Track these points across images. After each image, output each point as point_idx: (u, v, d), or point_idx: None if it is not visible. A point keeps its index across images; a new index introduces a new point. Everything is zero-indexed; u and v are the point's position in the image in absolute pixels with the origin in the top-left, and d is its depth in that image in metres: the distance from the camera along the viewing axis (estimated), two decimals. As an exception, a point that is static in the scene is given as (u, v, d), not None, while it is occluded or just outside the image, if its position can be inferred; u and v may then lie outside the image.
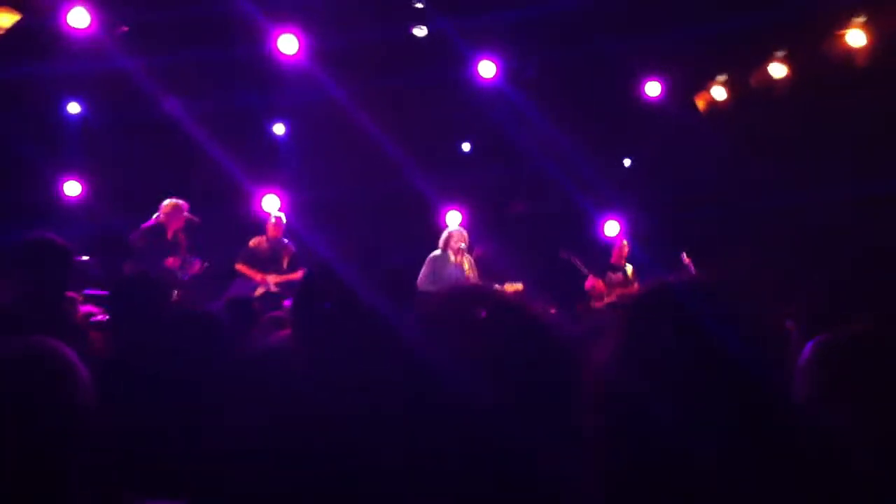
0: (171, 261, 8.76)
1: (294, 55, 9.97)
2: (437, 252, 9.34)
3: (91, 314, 5.38)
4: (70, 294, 5.89)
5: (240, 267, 9.54)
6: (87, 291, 7.10)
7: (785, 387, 1.78)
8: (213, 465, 2.27)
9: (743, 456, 1.66)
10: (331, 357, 2.43)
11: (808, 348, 2.53)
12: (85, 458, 2.06)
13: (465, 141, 13.19)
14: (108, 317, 4.71)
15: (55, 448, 1.97)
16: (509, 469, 1.87)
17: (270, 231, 9.78)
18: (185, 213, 9.04)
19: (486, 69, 10.65)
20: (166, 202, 9.00)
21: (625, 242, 10.50)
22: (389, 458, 1.95)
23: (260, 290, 9.24)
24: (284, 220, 9.94)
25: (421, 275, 9.18)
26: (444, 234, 9.44)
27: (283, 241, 9.79)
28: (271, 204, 10.87)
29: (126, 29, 9.81)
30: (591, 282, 10.02)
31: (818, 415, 2.06)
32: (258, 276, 9.33)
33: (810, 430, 1.77)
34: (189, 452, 2.48)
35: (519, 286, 9.37)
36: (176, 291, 7.76)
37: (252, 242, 9.70)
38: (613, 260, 10.32)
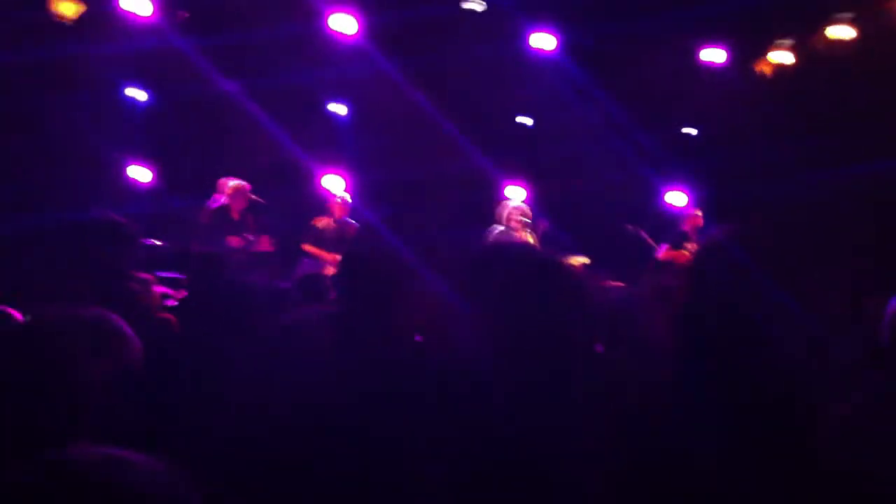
0: (234, 240, 8.85)
1: (352, 34, 10.00)
2: (499, 227, 9.27)
3: (166, 296, 5.46)
4: (144, 275, 6.00)
5: (307, 247, 9.59)
6: (157, 273, 7.19)
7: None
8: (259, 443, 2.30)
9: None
10: (376, 329, 2.42)
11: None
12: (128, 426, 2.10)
13: (525, 116, 13.10)
14: (179, 300, 4.77)
15: (97, 405, 2.02)
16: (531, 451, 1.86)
17: (336, 211, 9.83)
18: (248, 193, 9.14)
19: (544, 42, 10.56)
20: (229, 183, 9.12)
21: (698, 212, 10.32)
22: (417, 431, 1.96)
23: (330, 270, 9.27)
24: (350, 200, 9.99)
25: None
26: (504, 209, 9.38)
27: (349, 222, 9.83)
28: (333, 183, 10.91)
29: (186, 14, 9.91)
30: (666, 253, 9.84)
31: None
32: (327, 256, 9.36)
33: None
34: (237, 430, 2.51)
35: (585, 259, 9.29)
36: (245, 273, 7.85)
37: (318, 223, 9.75)
38: (687, 229, 10.15)
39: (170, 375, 3.16)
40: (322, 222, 9.75)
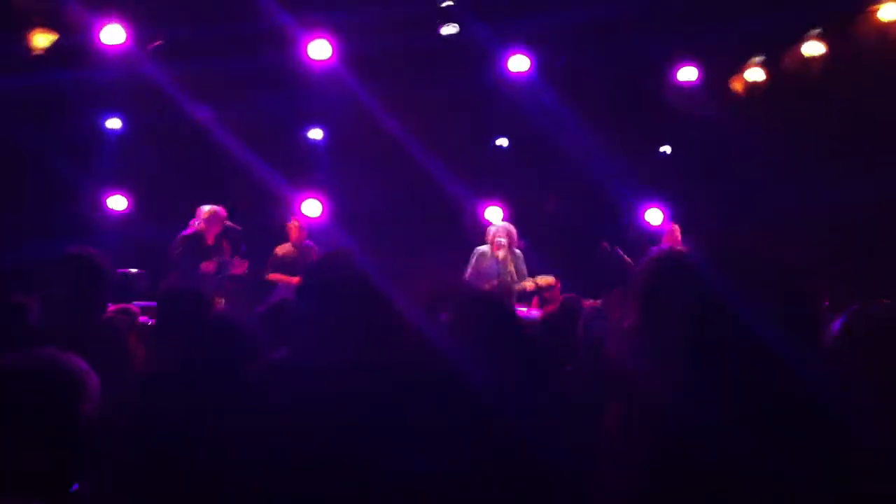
0: (206, 265, 8.86)
1: (326, 60, 10.04)
2: (482, 247, 9.42)
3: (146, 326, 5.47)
4: (128, 306, 6.01)
5: (272, 276, 9.60)
6: (135, 304, 7.18)
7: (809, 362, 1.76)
8: (243, 474, 2.30)
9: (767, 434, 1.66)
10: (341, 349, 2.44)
11: (839, 322, 2.51)
12: (91, 465, 2.12)
13: (500, 138, 13.18)
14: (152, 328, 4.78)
15: (56, 454, 2.04)
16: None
17: (294, 236, 9.82)
18: (224, 220, 9.15)
19: (518, 64, 10.63)
20: (204, 209, 9.13)
21: (675, 227, 10.38)
22: (403, 438, 1.98)
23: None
24: (304, 224, 9.98)
25: (467, 270, 9.30)
26: (489, 230, 9.53)
27: (308, 245, 9.83)
28: (312, 208, 10.94)
29: (159, 43, 9.94)
30: None
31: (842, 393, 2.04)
32: (293, 281, 9.35)
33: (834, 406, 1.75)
34: (218, 462, 2.51)
35: (551, 279, 9.42)
36: (219, 299, 7.84)
37: (278, 250, 9.76)
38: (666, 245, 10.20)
39: (149, 413, 3.18)
40: (282, 249, 9.77)
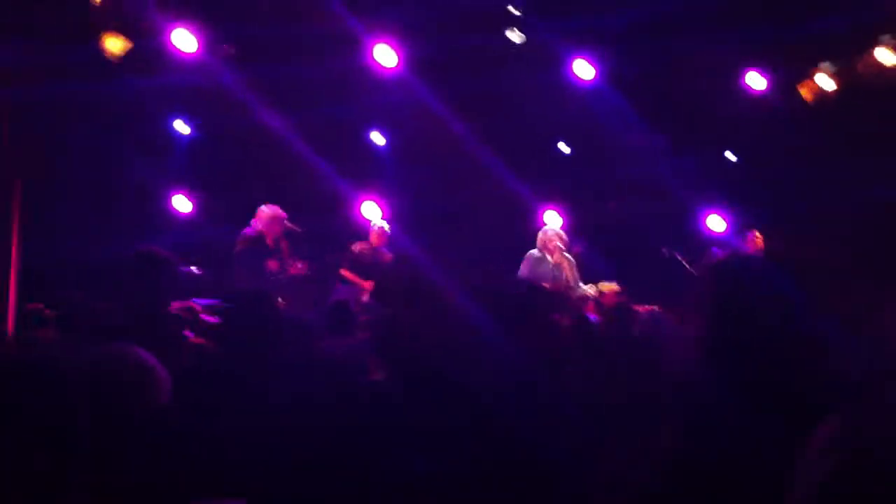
0: (270, 264, 8.99)
1: (393, 67, 10.12)
2: (536, 252, 9.39)
3: (208, 324, 5.58)
4: (190, 304, 6.14)
5: (344, 272, 9.67)
6: (198, 301, 7.32)
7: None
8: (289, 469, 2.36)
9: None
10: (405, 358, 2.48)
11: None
12: (155, 457, 2.17)
13: (563, 142, 13.14)
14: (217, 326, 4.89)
15: (122, 446, 2.08)
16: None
17: (374, 239, 9.91)
18: (284, 221, 9.27)
19: (583, 70, 10.59)
20: (264, 209, 9.26)
21: (757, 234, 10.22)
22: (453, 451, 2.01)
23: (365, 297, 9.31)
24: (388, 229, 10.06)
25: (520, 275, 9.23)
26: (541, 235, 9.46)
27: (384, 251, 9.90)
28: (371, 211, 11.03)
29: (231, 48, 10.12)
30: None
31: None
32: (363, 283, 9.43)
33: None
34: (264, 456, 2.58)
35: (614, 286, 9.34)
36: (280, 298, 7.95)
37: (355, 248, 9.84)
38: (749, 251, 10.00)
39: (206, 405, 3.26)
40: (359, 247, 9.84)
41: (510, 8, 10.30)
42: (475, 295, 2.71)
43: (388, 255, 9.85)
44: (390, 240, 10.08)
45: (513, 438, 2.14)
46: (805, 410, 1.72)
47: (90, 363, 2.20)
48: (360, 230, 10.34)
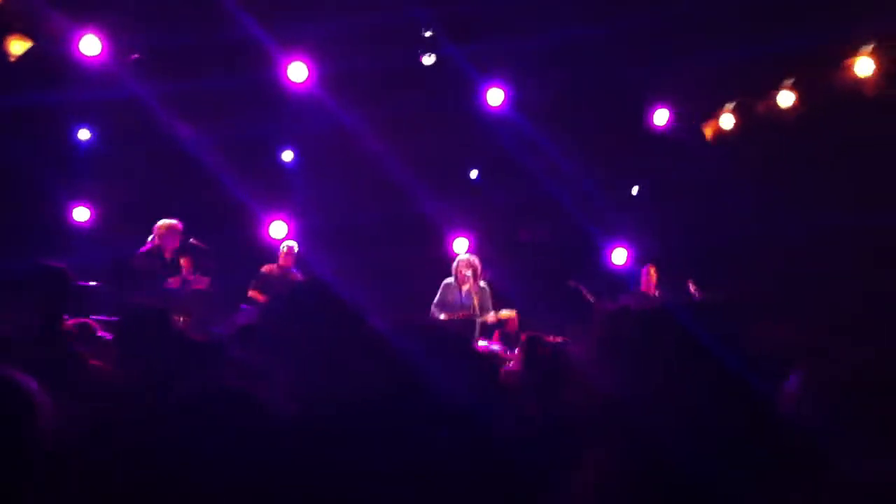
0: (172, 281, 8.80)
1: (303, 82, 10.05)
2: (449, 279, 9.48)
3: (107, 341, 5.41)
4: (86, 320, 5.95)
5: (253, 293, 9.55)
6: (95, 317, 7.12)
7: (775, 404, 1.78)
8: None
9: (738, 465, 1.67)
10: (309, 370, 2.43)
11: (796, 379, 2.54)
12: (44, 489, 2.08)
13: (473, 167, 13.22)
14: (112, 343, 4.75)
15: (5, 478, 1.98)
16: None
17: (282, 259, 9.83)
18: (180, 233, 9.07)
19: (495, 96, 10.68)
20: (160, 223, 9.05)
21: (652, 269, 10.42)
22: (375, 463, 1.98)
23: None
24: (296, 250, 9.97)
25: (435, 300, 9.33)
26: (454, 262, 9.58)
27: (293, 271, 9.81)
28: (279, 230, 10.92)
29: (137, 56, 9.91)
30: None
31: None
32: None
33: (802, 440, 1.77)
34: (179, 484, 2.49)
35: (512, 313, 9.48)
36: (181, 317, 7.79)
37: (264, 269, 9.76)
38: (643, 288, 10.19)
39: (107, 428, 3.15)
40: (268, 268, 9.76)
41: (424, 32, 10.33)
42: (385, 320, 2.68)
43: (298, 275, 9.76)
44: (299, 260, 9.98)
45: (436, 468, 2.11)
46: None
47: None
48: (268, 247, 10.22)
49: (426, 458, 2.05)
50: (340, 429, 2.19)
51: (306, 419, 2.31)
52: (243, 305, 9.46)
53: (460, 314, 9.18)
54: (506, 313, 9.46)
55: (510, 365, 7.10)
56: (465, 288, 9.33)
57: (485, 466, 2.03)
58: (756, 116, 11.31)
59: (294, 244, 10.05)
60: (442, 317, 9.12)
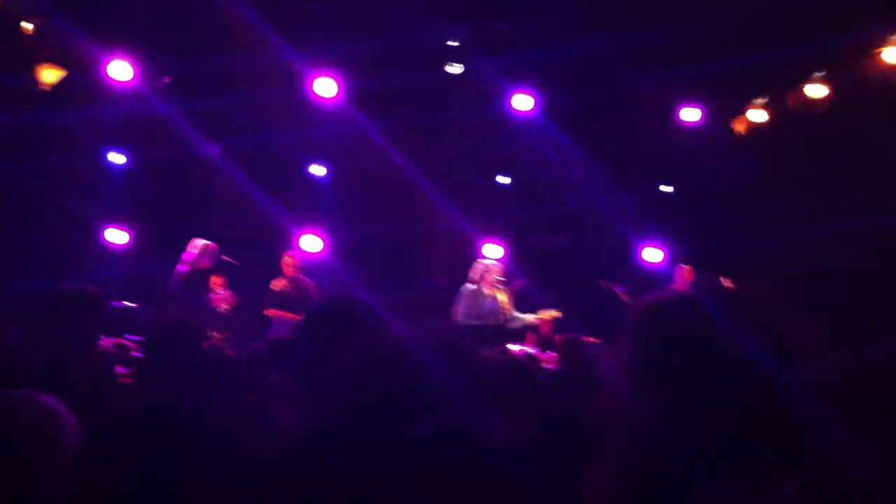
0: (205, 299, 8.91)
1: (332, 97, 10.13)
2: (471, 286, 9.33)
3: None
4: (122, 340, 6.05)
5: (270, 312, 9.58)
6: (131, 337, 7.21)
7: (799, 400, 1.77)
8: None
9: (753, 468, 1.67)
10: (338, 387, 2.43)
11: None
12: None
13: (502, 175, 13.23)
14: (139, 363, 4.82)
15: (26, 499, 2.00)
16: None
17: (286, 270, 9.80)
18: (216, 253, 9.18)
19: (522, 103, 10.68)
20: (196, 243, 9.17)
21: (686, 267, 10.30)
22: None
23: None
24: (297, 258, 9.96)
25: (457, 310, 9.16)
26: (478, 268, 9.42)
27: (303, 279, 9.81)
28: (311, 244, 10.97)
29: (168, 80, 10.06)
30: None
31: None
32: (290, 317, 9.26)
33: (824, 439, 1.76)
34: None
35: (555, 313, 9.38)
36: (215, 333, 7.87)
37: (273, 285, 9.73)
38: (679, 287, 10.08)
39: (135, 446, 3.20)
40: (278, 284, 9.75)
41: (450, 41, 10.38)
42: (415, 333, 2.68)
43: (308, 282, 9.75)
44: (304, 268, 9.96)
45: (457, 480, 2.12)
46: (748, 449, 1.74)
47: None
48: (300, 262, 10.27)
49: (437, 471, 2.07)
50: (360, 449, 2.21)
51: (326, 437, 2.32)
52: (274, 321, 9.52)
53: (494, 320, 9.09)
54: (546, 313, 9.35)
55: (547, 366, 7.12)
56: (492, 293, 9.23)
57: (483, 475, 2.04)
58: (787, 110, 11.22)
59: (294, 255, 10.05)
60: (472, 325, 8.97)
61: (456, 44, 10.44)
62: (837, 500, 1.67)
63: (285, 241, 10.94)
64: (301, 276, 9.80)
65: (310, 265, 10.17)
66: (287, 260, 9.85)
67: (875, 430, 2.32)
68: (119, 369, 4.98)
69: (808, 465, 1.69)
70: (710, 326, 1.78)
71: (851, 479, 1.74)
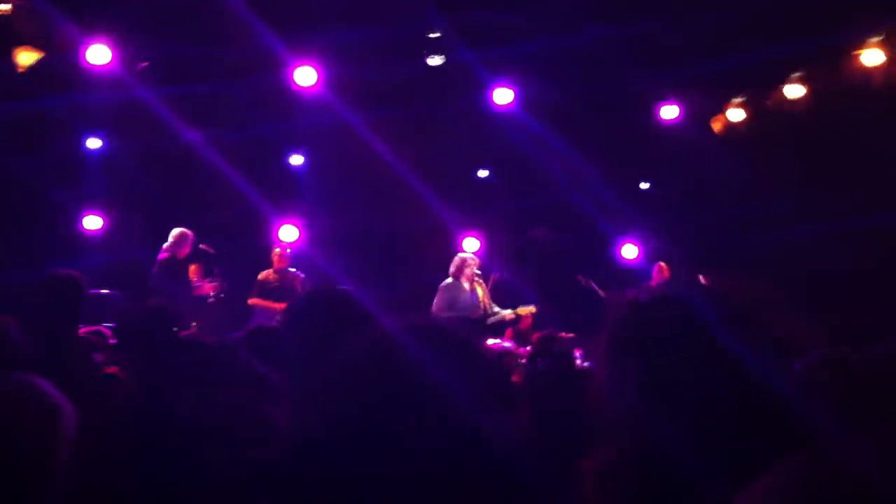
0: (183, 287, 8.88)
1: (312, 86, 10.07)
2: (450, 280, 9.36)
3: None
4: (100, 328, 6.00)
5: (253, 301, 9.60)
6: (108, 325, 7.16)
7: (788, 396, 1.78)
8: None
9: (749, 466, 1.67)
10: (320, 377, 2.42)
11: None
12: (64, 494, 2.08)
13: (482, 168, 13.23)
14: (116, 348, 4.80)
15: (24, 486, 1.99)
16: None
17: (276, 263, 9.86)
18: (192, 241, 9.16)
19: (503, 96, 10.67)
20: (173, 232, 9.15)
21: (663, 265, 10.38)
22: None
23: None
24: (289, 251, 9.99)
25: (435, 303, 9.17)
26: (457, 262, 9.44)
27: (290, 271, 9.84)
28: (288, 234, 10.95)
29: (146, 64, 9.96)
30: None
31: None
32: (275, 306, 9.31)
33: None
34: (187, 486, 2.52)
35: (532, 308, 9.41)
36: (193, 323, 7.82)
37: (261, 276, 9.80)
38: (654, 284, 10.14)
39: (120, 434, 3.18)
40: (264, 274, 9.78)
41: (431, 33, 10.34)
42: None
43: (297, 275, 9.78)
44: (293, 261, 9.99)
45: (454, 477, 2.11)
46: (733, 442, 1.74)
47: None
48: (290, 255, 10.24)
49: (427, 465, 2.06)
50: (349, 439, 2.19)
51: (311, 431, 2.30)
52: (254, 309, 9.50)
53: (474, 314, 9.10)
54: (524, 309, 9.38)
55: (523, 361, 7.13)
56: (470, 287, 9.25)
57: (486, 475, 2.04)
58: (765, 109, 11.29)
59: (286, 247, 10.09)
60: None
61: (437, 35, 10.41)
62: (828, 491, 1.69)
63: (264, 231, 10.90)
64: (290, 268, 9.83)
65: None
66: (276, 251, 9.87)
67: (869, 426, 2.35)
68: (97, 357, 4.95)
69: (796, 457, 1.71)
70: (690, 324, 1.79)
71: (842, 470, 1.76)
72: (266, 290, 9.60)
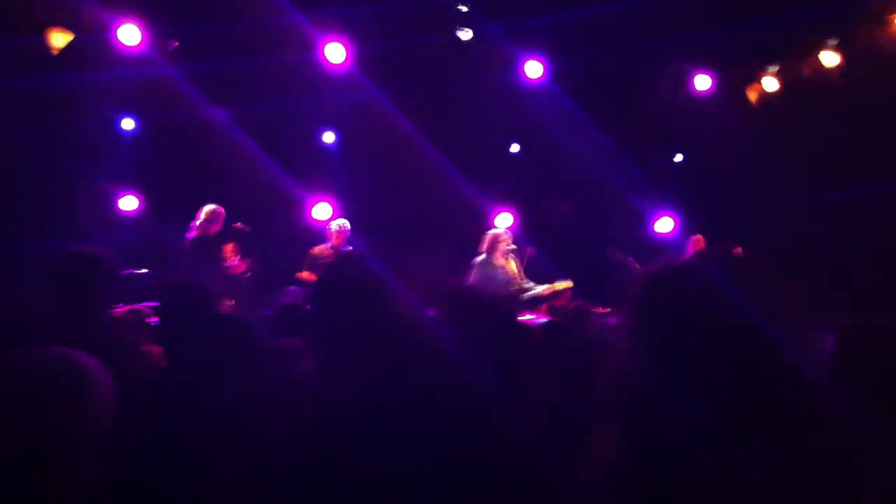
0: (216, 265, 8.90)
1: (342, 63, 10.04)
2: (483, 257, 9.28)
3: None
4: (137, 306, 6.03)
5: (303, 274, 9.45)
6: (145, 304, 7.20)
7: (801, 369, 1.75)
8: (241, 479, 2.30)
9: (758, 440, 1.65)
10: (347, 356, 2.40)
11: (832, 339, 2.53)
12: (100, 469, 2.09)
13: (513, 143, 13.16)
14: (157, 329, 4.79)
15: (66, 459, 2.00)
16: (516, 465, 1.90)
17: (334, 239, 9.76)
18: (223, 218, 9.16)
19: (533, 70, 10.59)
20: (204, 209, 9.16)
21: (699, 237, 10.29)
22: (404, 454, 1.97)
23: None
24: (348, 227, 9.90)
25: (469, 281, 9.08)
26: (489, 238, 9.37)
27: (346, 250, 9.74)
28: (323, 212, 10.93)
29: (176, 44, 9.97)
30: None
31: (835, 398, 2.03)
32: None
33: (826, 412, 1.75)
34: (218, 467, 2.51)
35: (569, 283, 9.31)
36: (227, 300, 7.84)
37: (315, 250, 9.67)
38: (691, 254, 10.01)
39: (157, 411, 3.19)
40: (318, 249, 9.69)
41: (460, 6, 10.27)
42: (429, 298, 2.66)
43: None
44: (349, 239, 9.93)
45: (467, 442, 2.10)
46: (749, 409, 1.73)
47: (20, 370, 2.09)
48: (311, 230, 10.23)
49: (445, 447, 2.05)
50: (372, 415, 2.18)
51: (337, 405, 2.29)
52: (290, 287, 9.48)
53: (507, 290, 9.02)
54: (561, 284, 9.28)
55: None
56: (505, 262, 9.18)
57: (503, 454, 2.03)
58: (801, 78, 11.12)
59: (345, 222, 9.97)
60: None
61: (465, 9, 10.33)
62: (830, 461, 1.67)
63: (296, 209, 10.91)
64: (344, 247, 9.74)
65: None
66: (335, 227, 9.79)
67: (876, 395, 2.32)
68: (134, 335, 4.96)
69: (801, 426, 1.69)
70: (712, 293, 1.77)
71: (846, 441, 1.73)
72: (317, 266, 9.38)
